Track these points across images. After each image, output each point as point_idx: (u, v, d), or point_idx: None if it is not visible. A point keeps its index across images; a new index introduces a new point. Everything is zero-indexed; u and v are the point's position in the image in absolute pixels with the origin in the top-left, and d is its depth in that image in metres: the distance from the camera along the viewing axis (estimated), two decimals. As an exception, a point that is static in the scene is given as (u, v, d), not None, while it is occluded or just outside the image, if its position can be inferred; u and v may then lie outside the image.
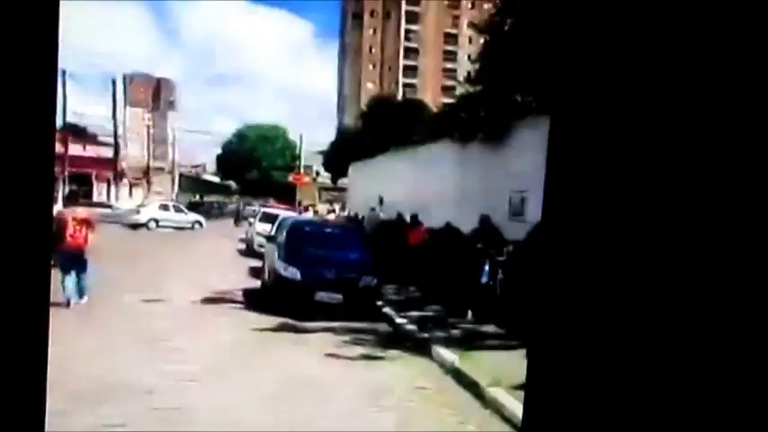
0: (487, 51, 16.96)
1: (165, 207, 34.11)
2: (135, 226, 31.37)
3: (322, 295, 10.78)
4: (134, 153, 61.78)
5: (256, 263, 17.49)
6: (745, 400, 1.05)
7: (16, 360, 1.09)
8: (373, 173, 27.95)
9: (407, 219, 19.51)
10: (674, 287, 1.08)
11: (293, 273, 10.80)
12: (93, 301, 10.52)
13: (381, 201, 25.34)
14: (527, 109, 14.76)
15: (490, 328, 9.98)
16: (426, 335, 9.65)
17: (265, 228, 19.22)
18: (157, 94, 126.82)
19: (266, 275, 12.23)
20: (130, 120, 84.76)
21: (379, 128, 31.95)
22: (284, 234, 12.06)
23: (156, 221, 32.25)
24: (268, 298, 11.60)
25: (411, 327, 10.33)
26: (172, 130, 69.69)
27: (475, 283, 10.70)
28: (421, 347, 9.12)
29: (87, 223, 10.50)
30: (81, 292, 10.32)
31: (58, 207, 12.08)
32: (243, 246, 23.66)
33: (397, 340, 9.76)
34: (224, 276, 15.09)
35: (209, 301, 11.82)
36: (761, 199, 1.04)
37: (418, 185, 21.66)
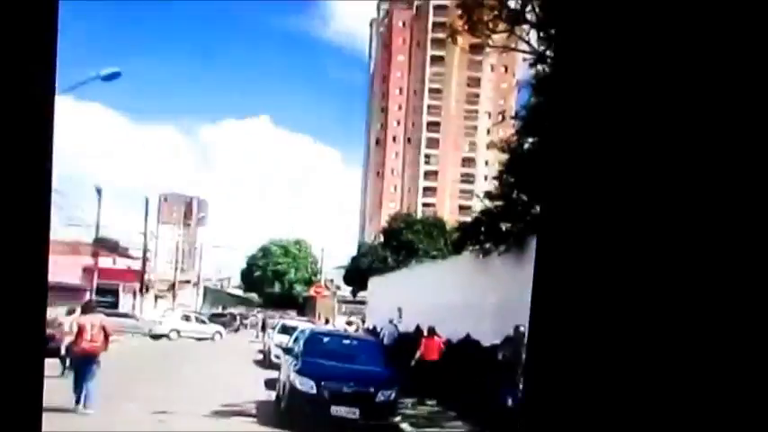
0: (509, 167, 16.89)
1: (186, 318, 33.55)
2: (157, 336, 30.73)
3: (338, 410, 9.95)
4: (162, 266, 62.22)
5: (273, 374, 16.68)
6: (745, 400, 1.03)
7: (14, 362, 1.09)
8: (393, 286, 27.37)
9: (425, 332, 18.82)
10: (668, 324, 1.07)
11: (309, 385, 10.02)
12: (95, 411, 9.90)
13: (400, 313, 24.57)
14: (547, 222, 14.32)
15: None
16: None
17: (283, 340, 18.52)
18: (189, 212, 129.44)
19: (281, 388, 11.41)
20: (162, 235, 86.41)
21: (399, 243, 31.73)
22: (301, 345, 11.38)
23: (178, 332, 31.57)
24: (282, 411, 10.77)
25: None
26: (200, 245, 70.38)
27: (500, 406, 9.77)
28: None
29: (103, 329, 10.69)
30: (86, 399, 10.17)
31: (76, 315, 12.04)
32: (260, 356, 22.79)
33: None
34: (238, 388, 14.26)
35: (219, 414, 10.99)
36: (760, 210, 1.03)
37: (438, 299, 20.97)
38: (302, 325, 20.87)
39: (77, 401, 10.00)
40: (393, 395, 10.46)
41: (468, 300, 18.15)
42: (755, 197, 1.04)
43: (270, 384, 14.64)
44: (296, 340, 12.67)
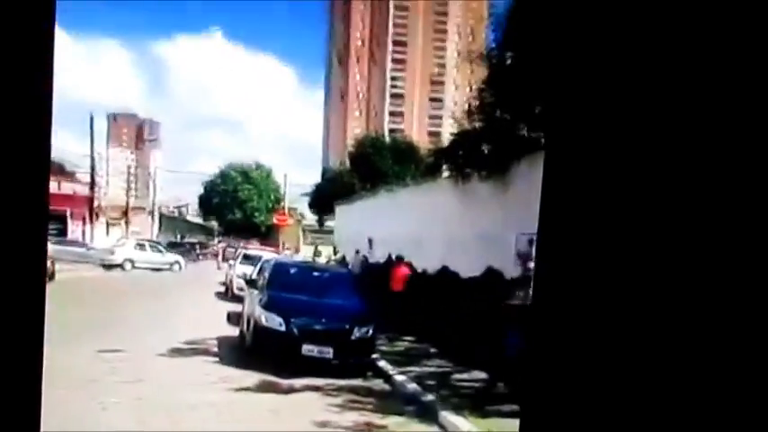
0: (490, 82, 15.76)
1: (141, 246, 32.25)
2: (109, 266, 29.59)
3: (309, 348, 9.20)
4: (114, 192, 60.15)
5: (236, 307, 15.92)
6: (746, 401, 1.06)
7: (12, 360, 1.11)
8: (362, 214, 26.56)
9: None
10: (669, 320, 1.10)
11: (276, 322, 9.20)
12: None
13: (371, 243, 23.92)
14: (534, 145, 13.51)
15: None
16: (432, 396, 8.13)
17: (246, 270, 17.65)
18: (141, 134, 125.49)
19: (245, 324, 10.60)
20: (113, 158, 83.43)
21: (366, 168, 30.72)
22: (266, 277, 10.49)
23: (132, 262, 30.40)
24: (247, 350, 10.01)
25: (412, 386, 8.80)
26: (154, 169, 68.18)
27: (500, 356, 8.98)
28: (427, 412, 7.61)
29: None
30: None
31: None
32: (222, 288, 21.94)
33: (397, 403, 8.23)
34: (198, 323, 13.45)
35: (178, 352, 10.18)
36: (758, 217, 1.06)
37: (412, 227, 20.25)
38: (266, 255, 19.98)
39: None
40: (370, 331, 9.73)
41: (446, 228, 17.46)
42: (756, 194, 1.05)
43: (233, 319, 13.86)
44: (260, 271, 11.76)
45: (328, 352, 9.25)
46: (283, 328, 9.17)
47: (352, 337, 9.49)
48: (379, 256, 21.16)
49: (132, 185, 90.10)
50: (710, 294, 1.08)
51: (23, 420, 1.11)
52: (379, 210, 24.55)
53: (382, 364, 10.31)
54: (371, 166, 30.88)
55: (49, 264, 10.03)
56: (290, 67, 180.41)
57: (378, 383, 9.39)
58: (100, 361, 9.08)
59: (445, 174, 18.18)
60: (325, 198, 33.41)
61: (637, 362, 1.10)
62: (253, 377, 8.81)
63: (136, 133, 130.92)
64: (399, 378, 9.39)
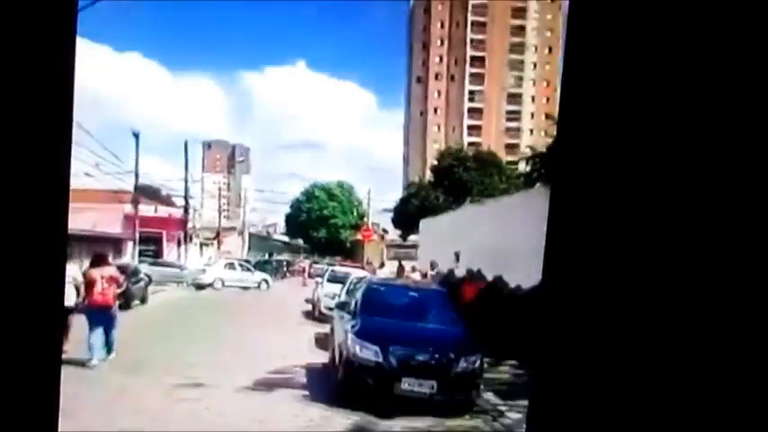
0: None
1: (231, 266, 31.81)
2: (201, 286, 29.22)
3: (409, 382, 7.60)
4: (208, 214, 61.29)
5: (323, 328, 14.61)
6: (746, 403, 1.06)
7: (31, 362, 1.10)
8: (447, 227, 24.87)
9: (489, 277, 16.71)
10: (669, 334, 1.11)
11: (372, 351, 7.65)
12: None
13: (458, 257, 22.25)
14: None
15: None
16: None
17: (333, 289, 16.34)
18: (232, 159, 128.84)
19: (335, 352, 9.13)
20: (207, 182, 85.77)
21: (450, 181, 29.06)
22: (358, 300, 8.96)
23: (222, 281, 29.93)
24: (338, 383, 8.53)
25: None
26: (244, 191, 69.10)
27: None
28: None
29: (115, 281, 10.11)
30: (109, 348, 9.84)
31: (84, 266, 10.38)
32: (309, 306, 20.74)
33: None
34: (285, 347, 12.19)
35: (261, 385, 8.84)
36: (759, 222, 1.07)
37: (502, 240, 18.39)
38: (353, 272, 18.59)
39: (90, 358, 9.29)
40: (477, 362, 8.02)
41: (539, 241, 15.54)
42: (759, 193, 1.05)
43: (321, 342, 12.51)
44: (350, 293, 10.25)
45: (431, 386, 7.61)
46: (380, 359, 7.59)
47: (458, 369, 7.81)
48: (465, 270, 19.43)
49: (224, 207, 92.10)
50: (715, 297, 1.05)
51: (40, 420, 1.10)
52: (466, 222, 22.81)
53: (488, 396, 8.65)
54: (455, 179, 29.23)
55: (142, 285, 13.48)
56: (370, 91, 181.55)
57: (487, 423, 7.75)
58: (175, 398, 7.84)
59: (536, 184, 16.40)
60: (409, 213, 31.97)
61: (645, 364, 1.08)
62: (346, 417, 7.34)
63: (228, 159, 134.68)
64: (514, 416, 7.71)
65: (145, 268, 23.27)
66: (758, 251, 1.04)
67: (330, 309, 15.83)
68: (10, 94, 1.08)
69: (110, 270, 10.11)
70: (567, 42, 1.18)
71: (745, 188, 1.06)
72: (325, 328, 14.44)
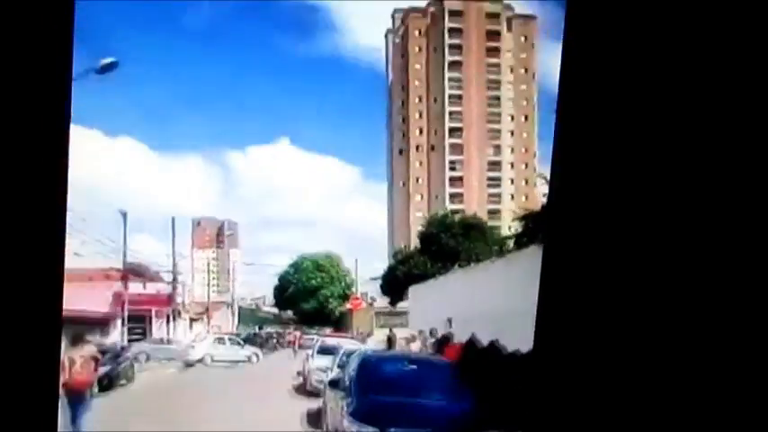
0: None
1: (220, 340, 30.81)
2: (190, 363, 28.14)
3: (416, 471, 6.96)
4: (198, 289, 60.05)
5: (314, 402, 13.84)
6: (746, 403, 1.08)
7: (31, 365, 1.12)
8: (437, 293, 24.37)
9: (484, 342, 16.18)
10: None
11: (372, 437, 7.02)
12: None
13: (450, 323, 21.68)
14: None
15: None
16: None
17: (324, 362, 15.62)
18: (221, 234, 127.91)
19: (327, 427, 8.50)
20: (197, 258, 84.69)
21: (437, 247, 28.75)
22: (353, 376, 8.32)
23: (212, 356, 28.88)
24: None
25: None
26: (233, 265, 68.22)
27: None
28: None
29: (95, 360, 9.83)
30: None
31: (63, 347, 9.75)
32: (300, 380, 19.85)
33: None
34: (276, 424, 11.47)
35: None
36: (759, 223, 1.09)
37: (494, 303, 17.92)
38: (344, 343, 17.90)
39: None
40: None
41: (532, 303, 15.11)
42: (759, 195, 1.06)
43: (313, 421, 11.79)
44: (342, 367, 9.64)
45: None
46: (383, 446, 6.96)
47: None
48: (460, 336, 18.82)
49: (214, 282, 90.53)
50: (715, 303, 1.03)
51: (39, 422, 1.10)
52: (456, 287, 22.38)
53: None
54: (441, 245, 28.93)
55: (128, 364, 13.01)
56: (352, 165, 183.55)
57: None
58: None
59: (530, 245, 16.09)
60: (397, 280, 31.46)
61: (641, 375, 1.08)
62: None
63: (216, 234, 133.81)
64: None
65: (143, 346, 22.32)
66: (758, 255, 1.01)
67: (321, 382, 15.09)
68: (7, 100, 1.06)
69: (89, 349, 9.68)
70: (562, 70, 1.14)
71: (745, 203, 1.03)
72: (317, 403, 13.70)
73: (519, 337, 14.68)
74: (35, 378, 1.10)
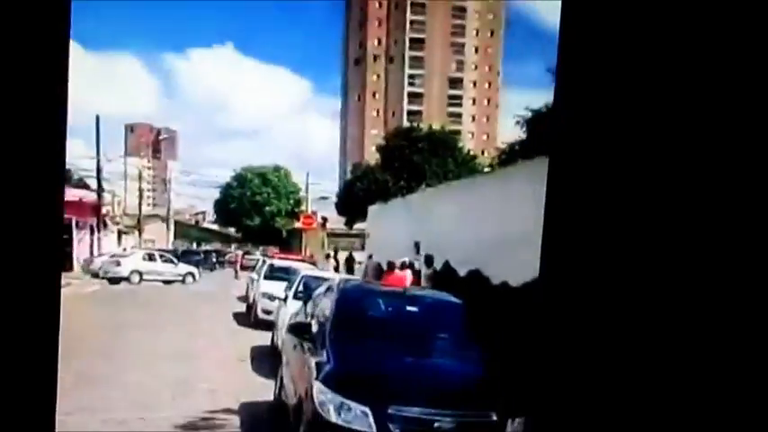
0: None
1: (150, 257, 27.65)
2: (116, 280, 25.13)
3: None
4: (131, 201, 56.08)
5: (262, 338, 11.34)
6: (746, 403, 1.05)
7: (28, 361, 1.11)
8: (401, 215, 21.86)
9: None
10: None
11: (358, 417, 4.45)
12: None
13: (418, 248, 19.31)
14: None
15: None
16: None
17: (272, 289, 13.00)
18: (158, 143, 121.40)
19: (288, 396, 5.86)
20: (130, 167, 79.61)
21: (401, 163, 26.05)
22: (327, 320, 5.42)
23: (140, 274, 25.88)
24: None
25: None
26: (170, 175, 64.04)
27: None
28: None
29: None
30: None
31: None
32: (242, 307, 17.26)
33: None
34: (212, 372, 8.91)
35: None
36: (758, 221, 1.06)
37: (471, 227, 15.48)
38: (298, 267, 15.24)
39: None
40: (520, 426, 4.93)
41: (517, 229, 12.71)
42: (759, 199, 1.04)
43: (261, 367, 9.22)
44: (310, 304, 6.80)
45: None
46: (373, 429, 4.42)
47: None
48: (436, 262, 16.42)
49: (149, 194, 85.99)
50: (713, 296, 1.01)
51: (37, 420, 1.07)
52: (425, 209, 19.91)
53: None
54: (405, 161, 26.25)
55: None
56: (304, 78, 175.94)
57: None
58: None
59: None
60: (354, 198, 28.76)
61: (641, 364, 1.05)
62: None
63: (153, 142, 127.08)
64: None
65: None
66: (754, 250, 0.99)
67: (268, 313, 12.57)
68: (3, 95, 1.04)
69: None
70: (561, 31, 1.15)
71: (742, 185, 1.00)
72: (264, 339, 11.23)
73: (498, 267, 12.45)
74: (32, 373, 1.07)
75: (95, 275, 26.27)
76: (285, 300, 10.15)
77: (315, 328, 5.56)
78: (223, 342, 11.73)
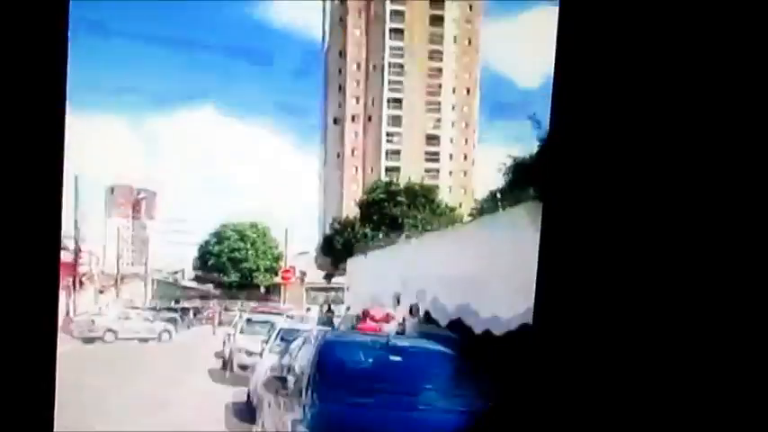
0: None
1: (126, 316, 27.03)
2: (90, 340, 24.40)
3: None
4: (110, 261, 55.09)
5: (236, 396, 10.96)
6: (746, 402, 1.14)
7: (26, 364, 1.22)
8: (381, 267, 21.75)
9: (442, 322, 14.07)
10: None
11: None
12: None
13: (398, 300, 19.14)
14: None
15: None
16: None
17: (249, 345, 12.69)
18: (138, 204, 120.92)
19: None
20: (110, 228, 78.69)
21: (380, 216, 26.06)
22: (309, 371, 5.20)
23: (115, 333, 25.19)
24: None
25: None
26: (148, 235, 63.32)
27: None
28: None
29: None
30: None
31: None
32: (217, 363, 16.74)
33: None
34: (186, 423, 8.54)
35: None
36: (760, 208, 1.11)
37: (453, 275, 15.41)
38: (275, 321, 14.93)
39: None
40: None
41: (496, 274, 12.67)
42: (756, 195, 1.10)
43: (236, 422, 8.89)
44: (284, 352, 6.54)
45: None
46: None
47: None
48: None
49: (128, 253, 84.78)
50: (710, 302, 1.13)
51: (36, 421, 1.14)
52: (405, 260, 19.83)
53: None
54: (384, 214, 26.25)
55: None
56: (283, 135, 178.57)
57: None
58: None
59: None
60: (333, 252, 28.57)
61: (638, 371, 1.19)
62: None
63: (132, 203, 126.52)
64: None
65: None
66: (754, 253, 1.06)
67: (243, 368, 12.21)
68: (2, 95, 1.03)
69: None
70: (558, 49, 1.22)
71: (742, 194, 1.09)
72: (239, 394, 10.86)
73: (483, 313, 12.33)
74: (31, 375, 1.15)
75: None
76: (261, 354, 9.87)
77: (291, 383, 5.32)
78: (197, 401, 11.29)
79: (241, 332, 14.27)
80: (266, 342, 10.75)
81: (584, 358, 1.14)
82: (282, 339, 10.07)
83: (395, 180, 33.62)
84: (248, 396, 10.19)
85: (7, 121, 1.11)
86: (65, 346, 19.89)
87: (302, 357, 5.59)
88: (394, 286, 19.67)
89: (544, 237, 1.23)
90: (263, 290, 49.94)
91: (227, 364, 14.59)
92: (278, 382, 5.36)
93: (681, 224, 1.08)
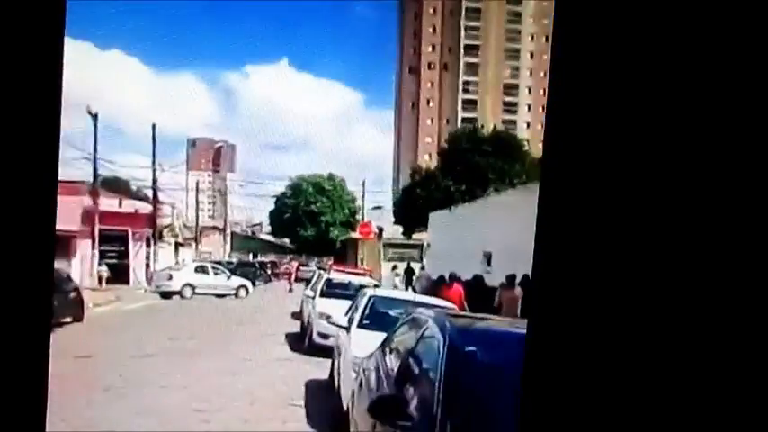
0: None
1: (202, 269, 26.23)
2: (168, 294, 23.78)
3: None
4: (192, 213, 55.75)
5: (320, 370, 9.36)
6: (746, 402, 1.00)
7: (18, 363, 1.09)
8: (468, 223, 19.57)
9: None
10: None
11: None
12: None
13: (489, 260, 17.04)
14: None
15: None
16: None
17: (330, 309, 11.01)
18: (218, 157, 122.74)
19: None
20: (191, 180, 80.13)
21: (463, 167, 23.76)
22: (434, 397, 2.94)
23: (192, 288, 24.46)
24: None
25: None
26: (228, 188, 63.54)
27: None
28: None
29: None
30: None
31: None
32: (296, 325, 15.33)
33: None
34: (257, 416, 6.96)
35: None
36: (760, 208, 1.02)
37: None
38: (360, 282, 13.18)
39: None
40: None
41: None
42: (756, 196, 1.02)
43: (319, 413, 7.17)
44: (385, 341, 4.59)
45: None
46: None
47: None
48: (499, 275, 14.10)
49: (209, 207, 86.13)
50: (710, 297, 0.98)
51: (28, 421, 1.08)
52: (495, 216, 17.60)
53: None
54: (469, 164, 23.96)
55: (72, 297, 9.62)
56: (357, 90, 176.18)
57: None
58: None
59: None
60: (413, 205, 26.60)
61: (637, 367, 1.00)
62: None
63: (213, 157, 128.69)
64: None
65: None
66: (753, 253, 0.97)
67: (325, 337, 10.62)
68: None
69: None
70: (554, 39, 1.12)
71: (739, 189, 0.98)
72: (320, 370, 9.25)
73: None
74: (21, 373, 1.04)
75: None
76: (348, 328, 8.05)
77: (414, 405, 3.32)
78: (271, 375, 9.73)
79: (321, 295, 12.64)
80: (355, 311, 8.93)
81: (583, 356, 0.98)
82: (372, 310, 8.27)
83: (479, 128, 30.95)
84: (331, 373, 8.55)
85: (5, 121, 0.94)
86: (142, 302, 18.97)
87: (423, 354, 3.54)
88: (483, 244, 17.55)
89: (541, 235, 1.03)
90: (338, 244, 48.96)
91: (305, 329, 13.05)
92: (393, 407, 3.26)
93: (681, 223, 0.95)
